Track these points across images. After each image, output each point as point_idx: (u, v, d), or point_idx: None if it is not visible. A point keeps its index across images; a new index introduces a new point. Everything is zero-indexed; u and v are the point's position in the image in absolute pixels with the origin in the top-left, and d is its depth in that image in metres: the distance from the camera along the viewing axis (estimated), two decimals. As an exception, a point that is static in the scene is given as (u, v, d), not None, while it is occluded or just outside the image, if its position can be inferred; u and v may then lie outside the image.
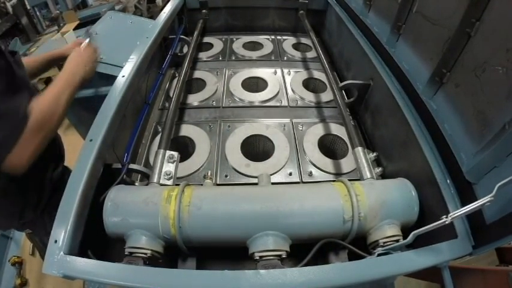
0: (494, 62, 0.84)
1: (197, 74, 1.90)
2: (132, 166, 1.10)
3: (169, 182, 1.08)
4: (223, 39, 2.32)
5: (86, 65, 1.25)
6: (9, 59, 1.07)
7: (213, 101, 1.70)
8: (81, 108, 1.92)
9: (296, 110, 1.68)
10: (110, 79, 1.53)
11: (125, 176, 1.07)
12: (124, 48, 1.64)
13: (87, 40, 1.38)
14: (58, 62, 1.58)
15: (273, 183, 1.14)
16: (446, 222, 0.70)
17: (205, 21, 2.34)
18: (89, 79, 1.29)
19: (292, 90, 1.80)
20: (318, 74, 1.92)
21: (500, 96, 0.82)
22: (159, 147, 1.17)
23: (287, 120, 1.59)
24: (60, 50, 1.54)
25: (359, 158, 1.14)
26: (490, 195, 0.66)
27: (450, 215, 0.70)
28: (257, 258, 0.85)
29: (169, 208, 0.87)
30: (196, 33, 2.07)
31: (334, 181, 1.05)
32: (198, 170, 1.32)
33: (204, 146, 1.42)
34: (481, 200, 0.67)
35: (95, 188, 0.97)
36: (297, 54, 2.17)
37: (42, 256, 0.82)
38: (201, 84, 1.85)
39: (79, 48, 1.31)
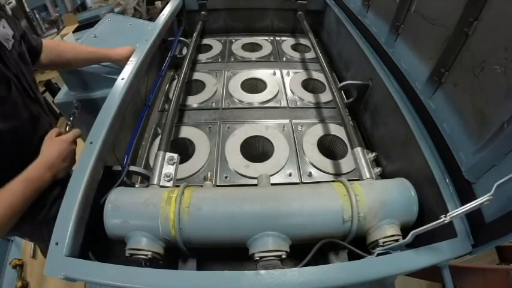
0: (493, 61, 0.84)
1: (196, 75, 1.91)
2: (132, 168, 1.11)
3: (169, 184, 1.08)
4: (222, 41, 2.33)
5: (59, 164, 1.02)
6: None
7: (212, 103, 1.70)
8: (81, 110, 1.92)
9: (295, 110, 1.69)
10: (110, 81, 1.54)
11: (125, 178, 1.07)
12: (123, 50, 1.63)
13: (69, 123, 1.11)
14: (101, 62, 1.55)
15: (272, 184, 1.14)
16: (445, 222, 0.70)
17: (204, 23, 2.35)
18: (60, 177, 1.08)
19: (292, 91, 1.80)
20: (317, 75, 1.92)
21: (498, 95, 0.82)
22: (159, 149, 1.17)
23: (286, 121, 1.59)
24: (108, 53, 1.49)
25: (358, 158, 1.14)
26: (488, 194, 0.66)
27: (449, 214, 0.70)
28: (257, 258, 0.85)
29: (170, 210, 0.87)
30: (195, 34, 2.08)
31: (333, 181, 1.05)
32: (198, 171, 1.32)
33: (203, 147, 1.42)
34: (479, 199, 0.67)
35: (95, 190, 0.98)
36: (296, 55, 2.17)
37: (45, 255, 0.81)
38: (200, 85, 1.85)
39: (59, 138, 1.06)
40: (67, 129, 1.05)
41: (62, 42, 1.37)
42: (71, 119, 1.13)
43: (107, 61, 1.55)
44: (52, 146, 1.02)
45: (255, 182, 1.22)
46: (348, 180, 0.99)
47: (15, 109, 1.00)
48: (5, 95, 0.97)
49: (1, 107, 0.96)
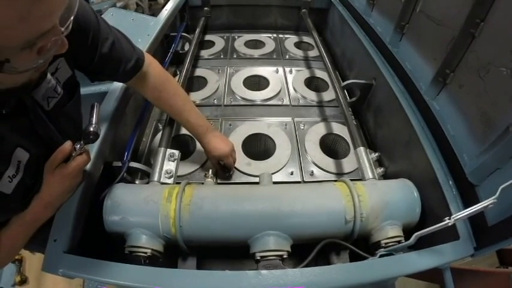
0: (499, 63, 0.83)
1: (198, 71, 1.89)
2: (133, 164, 1.10)
3: (170, 181, 1.08)
4: (225, 37, 2.31)
5: (61, 199, 0.82)
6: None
7: (214, 99, 1.69)
8: (82, 105, 1.91)
9: (298, 108, 1.68)
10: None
11: (125, 174, 1.06)
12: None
13: (81, 144, 0.78)
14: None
15: (274, 183, 1.13)
16: (449, 224, 0.69)
17: (207, 19, 2.33)
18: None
19: (294, 89, 1.79)
20: (320, 73, 1.91)
21: (504, 97, 0.81)
22: (159, 145, 1.16)
23: (289, 119, 1.58)
24: (202, 139, 1.19)
25: (361, 158, 1.13)
26: (493, 198, 0.66)
27: (453, 217, 0.69)
28: (258, 258, 0.84)
29: (170, 207, 0.87)
30: (198, 30, 2.06)
31: (336, 181, 1.05)
32: (199, 168, 1.31)
33: (205, 144, 1.41)
34: (484, 202, 0.67)
35: (95, 186, 0.97)
36: (299, 53, 2.16)
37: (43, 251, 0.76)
38: (202, 82, 1.84)
39: (60, 173, 0.77)
40: (77, 148, 0.77)
41: (171, 81, 1.09)
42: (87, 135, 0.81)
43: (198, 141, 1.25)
44: (52, 183, 0.79)
45: (256, 180, 1.21)
46: (350, 180, 0.98)
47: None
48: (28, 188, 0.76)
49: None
